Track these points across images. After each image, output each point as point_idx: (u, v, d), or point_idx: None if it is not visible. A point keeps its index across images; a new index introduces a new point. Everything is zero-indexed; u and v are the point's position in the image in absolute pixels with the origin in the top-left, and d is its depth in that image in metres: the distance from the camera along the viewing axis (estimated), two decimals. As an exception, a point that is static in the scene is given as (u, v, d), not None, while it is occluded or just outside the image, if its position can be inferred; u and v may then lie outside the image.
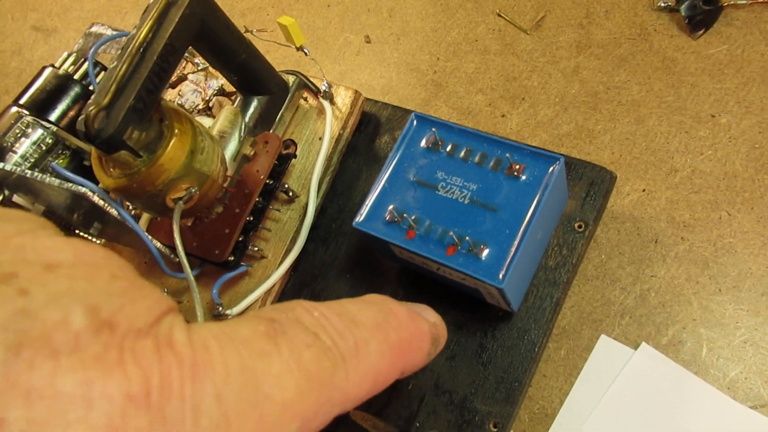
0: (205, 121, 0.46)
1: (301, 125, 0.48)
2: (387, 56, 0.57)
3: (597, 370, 0.40)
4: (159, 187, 0.37)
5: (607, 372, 0.40)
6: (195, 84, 0.51)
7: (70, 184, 0.36)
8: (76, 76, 0.53)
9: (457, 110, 0.52)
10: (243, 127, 0.43)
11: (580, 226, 0.40)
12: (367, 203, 0.38)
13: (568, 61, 0.51)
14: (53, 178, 0.37)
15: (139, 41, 0.35)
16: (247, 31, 0.48)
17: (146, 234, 0.39)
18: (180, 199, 0.37)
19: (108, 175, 0.37)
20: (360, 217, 0.38)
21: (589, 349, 0.41)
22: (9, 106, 0.53)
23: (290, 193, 0.44)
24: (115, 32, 0.57)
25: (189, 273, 0.37)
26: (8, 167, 0.38)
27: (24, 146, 0.50)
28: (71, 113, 0.52)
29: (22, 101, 0.52)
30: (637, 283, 0.42)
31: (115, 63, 0.36)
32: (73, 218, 0.44)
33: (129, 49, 0.35)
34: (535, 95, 0.50)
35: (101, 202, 0.37)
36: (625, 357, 0.40)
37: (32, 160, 0.50)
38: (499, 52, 0.53)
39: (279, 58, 0.57)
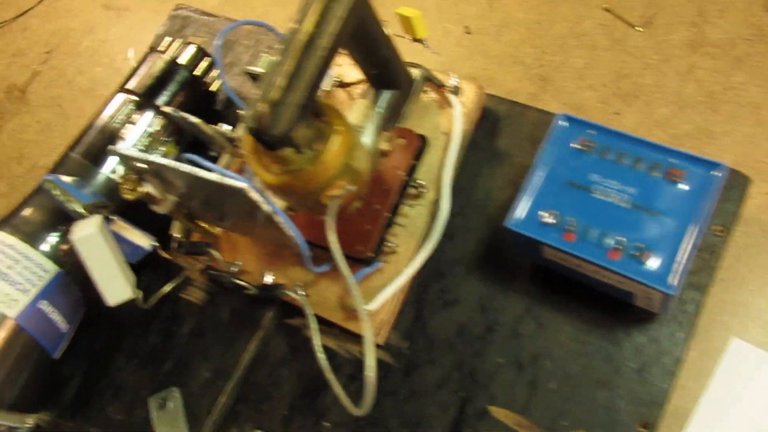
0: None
1: (421, 119, 0.47)
2: (489, 48, 0.56)
3: (730, 372, 0.41)
4: (320, 184, 0.37)
5: (741, 373, 0.41)
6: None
7: (229, 180, 0.36)
8: (182, 61, 0.52)
9: (567, 105, 0.52)
10: (377, 121, 0.43)
11: (720, 230, 0.41)
12: (519, 204, 0.39)
13: (681, 59, 0.51)
14: (211, 174, 0.36)
15: (305, 37, 0.35)
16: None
17: (297, 230, 0.39)
18: (337, 196, 0.37)
19: (267, 171, 0.37)
20: (514, 218, 0.38)
21: (720, 351, 0.42)
22: (117, 92, 0.52)
23: (419, 189, 0.44)
24: (231, 22, 0.55)
25: (346, 269, 0.37)
26: (158, 159, 0.37)
27: (134, 132, 0.50)
28: (179, 99, 0.52)
29: (130, 86, 0.51)
30: (767, 286, 0.42)
31: (279, 58, 0.36)
32: (202, 209, 0.43)
33: (294, 44, 0.35)
34: (649, 93, 0.51)
35: (258, 199, 0.37)
36: (759, 359, 0.41)
37: (141, 147, 0.50)
38: (608, 47, 0.53)
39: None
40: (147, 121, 0.50)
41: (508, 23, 0.57)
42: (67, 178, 0.44)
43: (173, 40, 0.54)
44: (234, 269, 0.46)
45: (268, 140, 0.34)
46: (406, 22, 0.47)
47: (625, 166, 0.38)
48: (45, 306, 0.45)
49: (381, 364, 0.44)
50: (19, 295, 0.44)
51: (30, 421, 0.45)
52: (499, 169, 0.47)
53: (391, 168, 0.42)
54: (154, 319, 0.51)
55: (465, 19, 0.59)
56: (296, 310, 0.47)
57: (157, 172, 0.40)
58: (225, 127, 0.45)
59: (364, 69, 0.43)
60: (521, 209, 0.38)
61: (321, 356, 0.41)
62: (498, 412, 0.41)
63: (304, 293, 0.43)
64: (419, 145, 0.43)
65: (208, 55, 0.54)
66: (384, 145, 0.42)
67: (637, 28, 0.52)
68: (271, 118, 0.34)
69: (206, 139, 0.46)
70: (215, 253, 0.45)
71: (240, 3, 0.66)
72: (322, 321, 0.45)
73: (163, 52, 0.53)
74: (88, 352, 0.51)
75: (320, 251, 0.43)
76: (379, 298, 0.43)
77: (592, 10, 0.55)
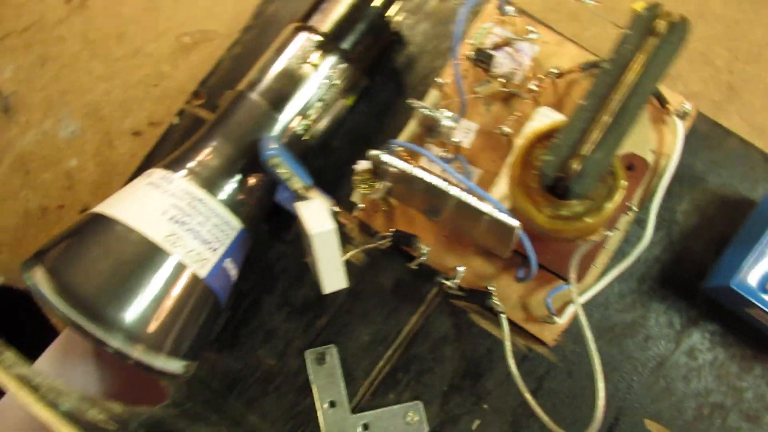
0: (551, 116, 0.43)
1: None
2: (680, 38, 0.53)
3: None
4: (589, 232, 0.36)
5: None
6: (515, 50, 0.46)
7: (503, 216, 0.35)
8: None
9: (748, 125, 0.52)
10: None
11: None
12: (748, 264, 0.40)
13: None
14: (485, 206, 0.35)
15: (627, 89, 0.32)
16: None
17: (535, 256, 0.39)
18: (594, 241, 0.37)
19: (538, 211, 0.35)
20: (743, 282, 0.40)
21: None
22: (296, 27, 0.46)
23: (629, 213, 0.44)
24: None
25: (581, 312, 0.38)
26: (435, 180, 0.35)
27: (315, 79, 0.45)
28: (364, 45, 0.46)
29: (315, 24, 0.45)
30: None
31: (587, 102, 0.33)
32: (414, 199, 0.42)
33: (613, 95, 0.32)
34: (834, 132, 0.51)
35: (521, 238, 0.36)
36: None
37: (322, 98, 0.46)
38: (804, 70, 0.52)
39: (588, 38, 0.51)
40: (329, 68, 0.46)
41: (704, 14, 0.54)
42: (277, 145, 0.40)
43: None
44: (424, 253, 0.45)
45: (569, 194, 0.33)
46: (641, 20, 0.43)
47: None
48: (228, 264, 0.43)
49: (545, 362, 0.47)
50: (209, 254, 0.42)
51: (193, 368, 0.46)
52: (688, 192, 0.47)
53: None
54: (308, 271, 0.50)
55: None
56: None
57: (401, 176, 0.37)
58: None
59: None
60: (752, 273, 0.40)
61: (515, 372, 0.43)
62: (652, 426, 0.45)
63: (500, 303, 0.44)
64: (644, 173, 0.42)
65: (398, -4, 0.48)
66: (614, 171, 0.41)
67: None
68: (580, 174, 0.32)
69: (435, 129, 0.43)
70: (423, 247, 0.45)
71: None
72: (488, 308, 0.47)
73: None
74: (237, 289, 0.50)
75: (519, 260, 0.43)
76: (567, 312, 0.44)
77: (798, 21, 0.53)
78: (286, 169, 0.38)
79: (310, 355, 0.49)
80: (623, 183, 0.35)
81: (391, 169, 0.36)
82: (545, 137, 0.36)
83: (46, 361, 0.51)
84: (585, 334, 0.38)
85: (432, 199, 0.39)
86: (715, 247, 0.46)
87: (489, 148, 0.47)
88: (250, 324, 0.50)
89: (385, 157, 0.35)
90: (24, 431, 0.49)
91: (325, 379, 0.48)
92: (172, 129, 0.53)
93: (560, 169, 0.32)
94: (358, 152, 0.51)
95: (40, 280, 0.39)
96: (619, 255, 0.46)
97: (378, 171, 0.38)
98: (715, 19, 0.54)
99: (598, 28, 0.53)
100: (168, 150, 0.53)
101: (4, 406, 0.47)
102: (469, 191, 0.35)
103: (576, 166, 0.32)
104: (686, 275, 0.47)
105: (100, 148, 0.57)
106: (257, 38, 0.54)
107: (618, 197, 0.35)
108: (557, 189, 0.33)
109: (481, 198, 0.35)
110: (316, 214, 0.37)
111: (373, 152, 0.35)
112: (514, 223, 0.35)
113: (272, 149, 0.38)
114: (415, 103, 0.40)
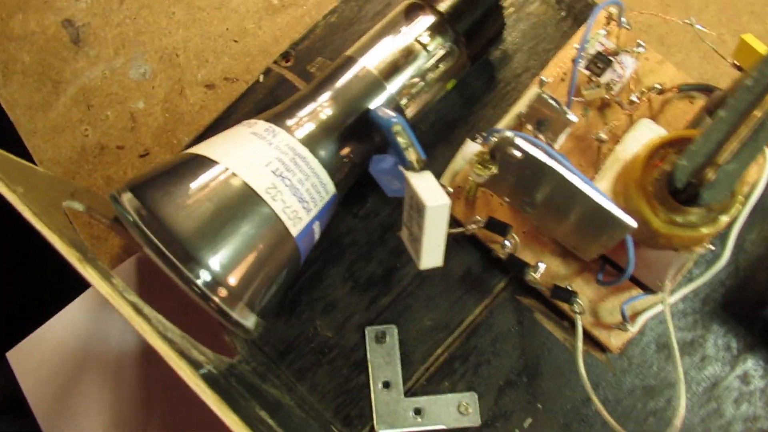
0: (653, 128, 0.44)
1: (717, 155, 0.47)
2: (758, 78, 0.55)
3: None
4: (698, 242, 0.37)
5: None
6: (617, 62, 0.47)
7: (618, 212, 0.35)
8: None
9: (813, 169, 0.54)
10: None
11: None
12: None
13: None
14: (603, 200, 0.35)
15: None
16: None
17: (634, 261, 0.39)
18: (700, 253, 0.38)
19: (655, 215, 0.36)
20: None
21: None
22: (414, 5, 0.46)
23: (707, 232, 0.45)
24: None
25: (668, 309, 0.39)
26: (567, 174, 0.35)
27: (423, 59, 0.45)
28: (477, 29, 0.47)
29: (435, 3, 0.45)
30: None
31: (725, 114, 0.34)
32: (511, 188, 0.42)
33: (756, 112, 0.33)
34: None
35: (628, 238, 0.36)
36: None
37: (428, 79, 0.46)
38: None
39: (675, 63, 0.52)
40: (439, 49, 0.46)
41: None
42: (390, 112, 0.40)
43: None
44: (511, 244, 0.45)
45: (698, 201, 0.33)
46: (745, 51, 0.45)
47: None
48: (316, 227, 0.43)
49: (600, 369, 0.47)
50: (303, 213, 0.41)
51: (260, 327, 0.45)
52: (759, 223, 0.49)
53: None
54: (377, 248, 0.50)
55: (747, 32, 0.56)
56: (529, 289, 0.48)
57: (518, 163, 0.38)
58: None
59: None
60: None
61: (583, 373, 0.43)
62: (699, 444, 0.46)
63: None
64: (736, 198, 0.43)
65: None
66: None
67: None
68: (714, 182, 0.33)
69: (547, 119, 0.43)
70: (515, 237, 0.45)
71: None
72: (553, 309, 0.47)
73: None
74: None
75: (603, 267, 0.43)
76: (639, 321, 0.45)
77: None
78: (405, 138, 0.37)
79: (370, 333, 0.48)
80: (741, 198, 0.36)
81: (516, 152, 0.36)
82: (669, 144, 0.36)
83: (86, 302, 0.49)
84: (672, 344, 0.39)
85: (531, 191, 0.40)
86: (778, 280, 0.48)
87: (577, 152, 0.47)
88: (312, 293, 0.49)
89: (519, 141, 0.35)
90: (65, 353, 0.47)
91: (383, 358, 0.48)
92: (257, 86, 0.52)
93: (694, 175, 0.33)
94: (440, 137, 0.52)
95: (134, 213, 0.38)
96: (686, 274, 0.47)
97: (495, 154, 0.38)
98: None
99: (684, 55, 0.55)
100: (248, 106, 0.52)
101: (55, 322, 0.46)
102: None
103: (711, 174, 0.32)
104: (748, 302, 0.48)
105: (170, 95, 0.56)
106: (355, 10, 0.53)
107: (734, 211, 0.36)
108: (682, 194, 0.34)
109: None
110: (430, 187, 0.37)
111: (508, 133, 0.35)
112: (631, 222, 0.35)
113: (396, 116, 0.38)
114: (544, 93, 0.41)
